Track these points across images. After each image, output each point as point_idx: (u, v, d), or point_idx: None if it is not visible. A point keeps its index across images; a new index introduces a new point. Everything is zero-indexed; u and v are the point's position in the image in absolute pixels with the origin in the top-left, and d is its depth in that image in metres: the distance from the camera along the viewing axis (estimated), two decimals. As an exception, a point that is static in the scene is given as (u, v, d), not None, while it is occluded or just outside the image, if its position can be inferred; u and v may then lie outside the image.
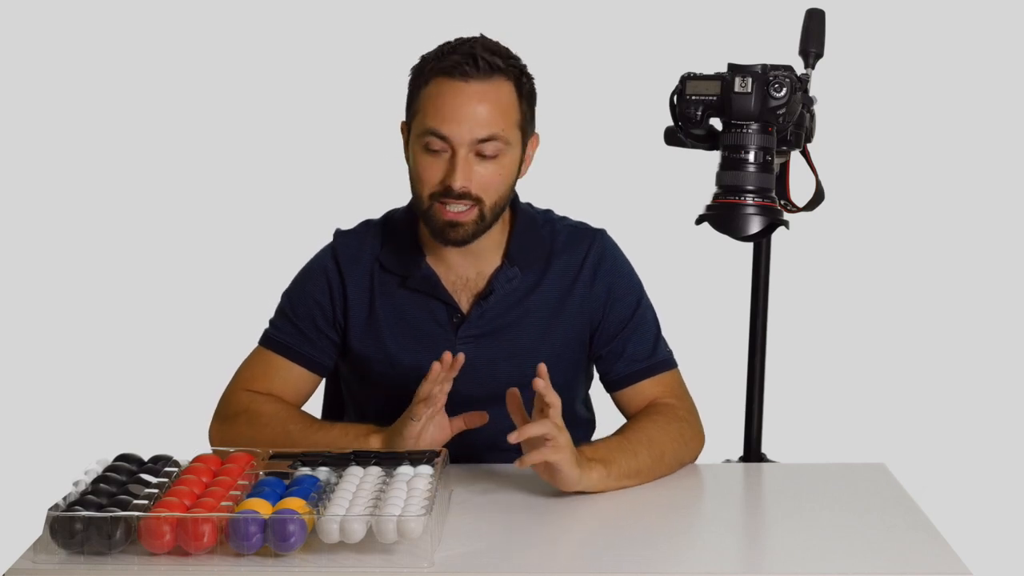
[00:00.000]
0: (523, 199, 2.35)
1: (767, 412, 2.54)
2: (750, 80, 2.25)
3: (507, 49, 2.18)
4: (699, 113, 2.30)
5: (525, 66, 2.19)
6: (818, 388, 3.75)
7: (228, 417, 2.26)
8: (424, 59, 2.17)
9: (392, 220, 2.33)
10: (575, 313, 2.29)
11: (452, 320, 2.27)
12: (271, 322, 2.34)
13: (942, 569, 1.75)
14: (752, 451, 2.53)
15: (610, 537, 1.91)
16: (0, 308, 4.00)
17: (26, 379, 3.92)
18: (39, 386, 3.91)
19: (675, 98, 2.34)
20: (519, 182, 2.26)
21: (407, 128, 2.20)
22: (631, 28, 3.89)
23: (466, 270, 2.27)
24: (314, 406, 2.57)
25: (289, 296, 2.33)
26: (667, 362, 2.32)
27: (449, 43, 2.17)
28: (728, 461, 2.52)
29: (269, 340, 2.31)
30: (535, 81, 2.22)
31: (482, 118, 2.10)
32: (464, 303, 2.27)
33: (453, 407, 2.22)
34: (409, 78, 2.19)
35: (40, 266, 4.00)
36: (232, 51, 3.97)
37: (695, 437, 2.26)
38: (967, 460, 3.69)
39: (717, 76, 2.29)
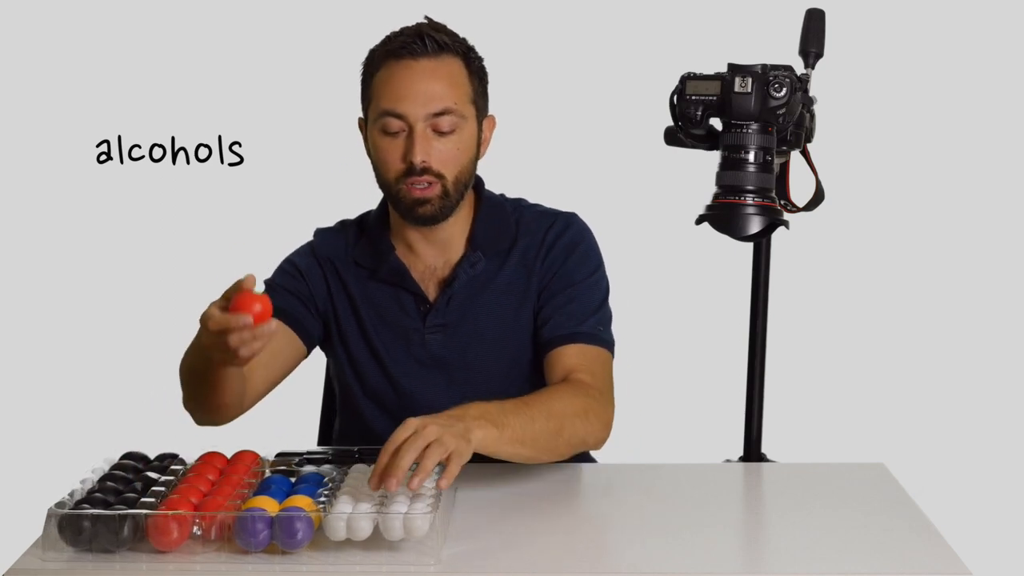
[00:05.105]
0: (516, 194, 2.38)
1: (767, 412, 2.54)
2: (750, 80, 2.26)
3: (452, 30, 2.21)
4: (699, 113, 2.31)
5: (472, 46, 2.23)
6: (818, 388, 3.75)
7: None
8: (372, 50, 2.21)
9: (366, 218, 2.37)
10: (536, 291, 2.29)
11: (420, 309, 2.28)
12: None
13: (942, 569, 1.75)
14: (752, 451, 2.54)
15: (612, 536, 1.93)
16: (3, 307, 4.01)
17: (32, 378, 3.93)
18: (45, 385, 3.93)
19: (675, 98, 2.35)
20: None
21: (364, 122, 2.24)
22: (631, 28, 3.89)
23: (434, 259, 2.29)
24: (313, 411, 2.60)
25: (272, 279, 2.34)
26: (594, 337, 2.24)
27: (394, 31, 2.21)
28: (728, 461, 2.52)
29: None
30: (485, 62, 2.25)
31: (435, 93, 2.14)
32: (431, 292, 2.29)
33: (427, 399, 2.24)
34: (361, 73, 2.23)
35: (44, 265, 4.01)
36: (223, 50, 3.98)
37: (599, 419, 2.13)
38: (967, 460, 3.70)
39: (717, 76, 2.31)
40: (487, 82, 2.26)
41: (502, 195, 2.36)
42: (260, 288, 2.25)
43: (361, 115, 2.26)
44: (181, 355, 2.10)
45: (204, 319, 1.81)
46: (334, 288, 2.32)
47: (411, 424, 1.83)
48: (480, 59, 2.24)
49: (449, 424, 1.85)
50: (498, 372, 2.29)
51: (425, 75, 2.15)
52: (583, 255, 2.30)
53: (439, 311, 2.28)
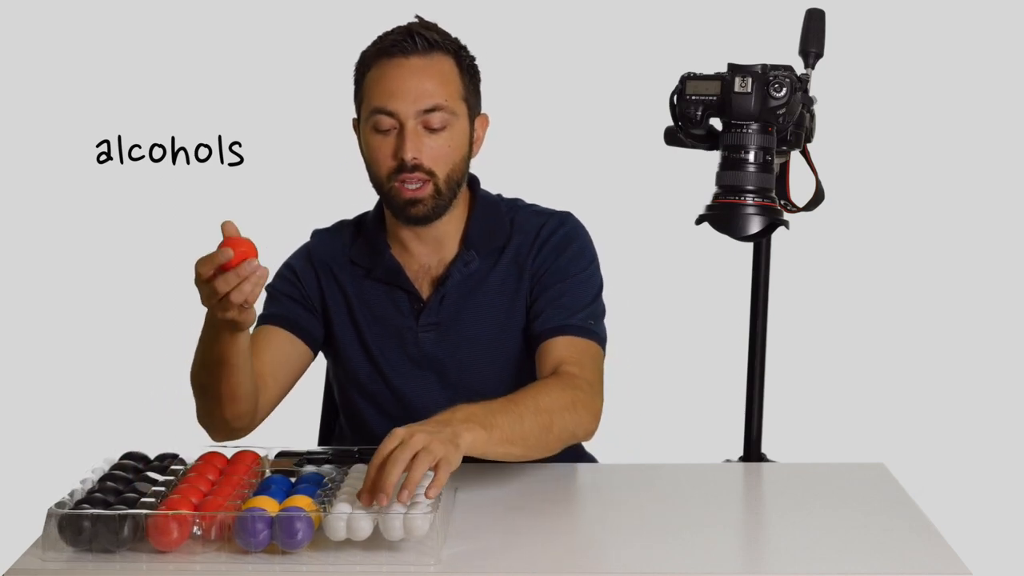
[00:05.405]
0: (514, 194, 2.38)
1: (767, 412, 2.54)
2: (750, 80, 2.26)
3: (443, 29, 2.23)
4: (699, 113, 2.31)
5: (463, 44, 2.24)
6: (818, 388, 3.75)
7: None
8: (364, 51, 2.23)
9: (364, 218, 2.38)
10: (528, 288, 2.29)
11: (413, 308, 2.29)
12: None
13: (942, 569, 1.75)
14: (752, 451, 2.54)
15: (612, 536, 1.92)
16: (4, 307, 4.01)
17: (32, 378, 3.93)
18: (45, 385, 3.92)
19: (675, 98, 2.35)
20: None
21: (358, 123, 2.25)
22: (631, 28, 3.90)
23: (428, 258, 2.29)
24: (313, 411, 2.60)
25: (272, 285, 2.34)
26: (584, 330, 2.22)
27: (385, 31, 2.22)
28: (728, 461, 2.52)
29: (257, 320, 2.24)
30: (477, 62, 2.26)
31: (425, 90, 2.15)
32: (425, 291, 2.30)
33: (421, 398, 2.26)
34: (354, 73, 2.24)
35: (44, 265, 4.01)
36: (222, 50, 3.99)
37: (588, 410, 2.11)
38: (967, 460, 3.70)
39: (717, 76, 2.31)
40: (479, 80, 2.27)
41: (499, 195, 2.36)
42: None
43: (355, 116, 2.27)
44: (182, 356, 2.10)
45: (195, 270, 1.86)
46: (328, 289, 2.33)
47: (397, 435, 1.82)
48: (472, 57, 2.25)
49: (436, 431, 1.83)
50: (491, 371, 2.29)
51: (416, 72, 2.16)
52: (577, 252, 2.30)
53: (432, 309, 2.28)
